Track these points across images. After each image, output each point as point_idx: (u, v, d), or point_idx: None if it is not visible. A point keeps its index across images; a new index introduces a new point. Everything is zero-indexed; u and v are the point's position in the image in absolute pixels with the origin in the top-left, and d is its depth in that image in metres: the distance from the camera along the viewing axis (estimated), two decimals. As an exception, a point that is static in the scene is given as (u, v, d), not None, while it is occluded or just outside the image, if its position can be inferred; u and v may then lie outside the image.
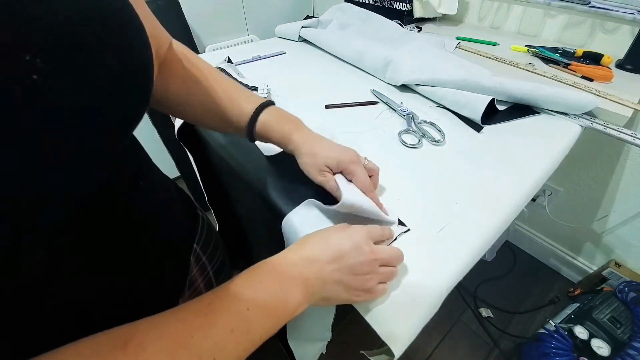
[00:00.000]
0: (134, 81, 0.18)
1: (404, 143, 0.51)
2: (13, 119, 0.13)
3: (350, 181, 0.37)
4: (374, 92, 0.66)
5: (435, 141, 0.52)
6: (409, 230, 0.38)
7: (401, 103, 0.62)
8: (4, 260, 0.14)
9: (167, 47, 0.35)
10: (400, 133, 0.53)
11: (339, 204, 0.35)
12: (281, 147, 0.40)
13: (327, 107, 0.61)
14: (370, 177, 0.38)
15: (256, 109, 0.38)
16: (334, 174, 0.38)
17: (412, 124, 0.56)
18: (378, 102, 0.63)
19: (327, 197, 0.38)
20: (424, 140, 0.52)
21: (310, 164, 0.38)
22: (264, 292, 0.25)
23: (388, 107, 0.62)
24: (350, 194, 0.35)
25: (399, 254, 0.32)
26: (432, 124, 0.56)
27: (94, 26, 0.16)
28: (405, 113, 0.58)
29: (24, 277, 0.17)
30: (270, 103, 0.39)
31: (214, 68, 0.39)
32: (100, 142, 0.17)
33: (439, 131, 0.55)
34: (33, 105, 0.13)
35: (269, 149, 0.46)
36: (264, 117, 0.38)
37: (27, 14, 0.13)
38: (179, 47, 0.37)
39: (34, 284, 0.19)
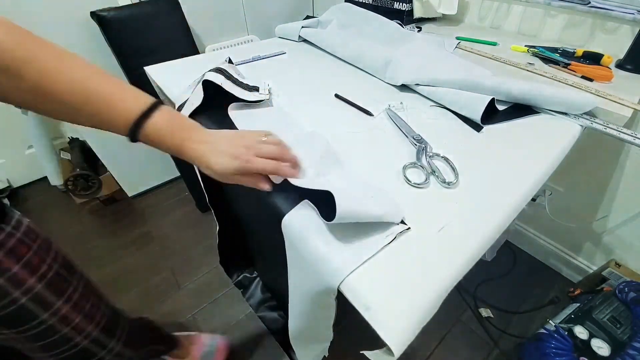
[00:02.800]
0: None
1: (407, 180, 0.44)
2: None
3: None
4: (387, 111, 0.59)
5: (446, 183, 0.43)
6: (409, 228, 0.38)
7: (401, 103, 0.62)
8: None
9: None
10: (405, 167, 0.46)
11: (335, 219, 0.34)
12: (176, 156, 0.37)
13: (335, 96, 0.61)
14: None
15: (143, 112, 0.34)
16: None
17: (423, 157, 0.48)
18: (373, 115, 0.58)
19: (326, 197, 0.38)
20: (432, 179, 0.45)
21: (215, 177, 0.37)
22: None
23: (398, 130, 0.55)
24: (343, 206, 0.34)
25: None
26: (446, 159, 0.47)
27: None
28: (416, 142, 0.50)
29: None
30: (158, 104, 0.35)
31: (70, 52, 0.32)
32: None
33: (453, 169, 0.46)
34: None
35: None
36: (153, 122, 0.34)
37: None
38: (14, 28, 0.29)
39: None
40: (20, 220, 0.44)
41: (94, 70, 0.33)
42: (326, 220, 0.36)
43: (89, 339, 0.52)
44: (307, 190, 0.39)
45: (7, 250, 0.40)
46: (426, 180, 0.44)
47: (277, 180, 0.42)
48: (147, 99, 0.35)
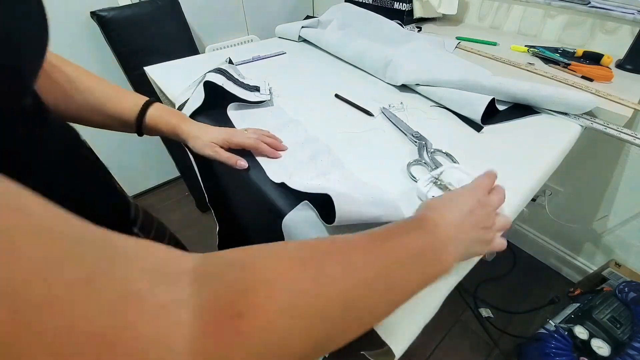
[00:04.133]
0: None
1: (412, 178, 0.44)
2: None
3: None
4: (383, 110, 0.59)
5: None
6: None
7: (401, 103, 0.62)
8: None
9: None
10: (409, 165, 0.46)
11: (335, 222, 0.34)
12: (171, 137, 0.46)
13: (336, 95, 0.61)
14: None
15: (144, 104, 0.43)
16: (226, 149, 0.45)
17: (424, 154, 0.48)
18: (373, 115, 0.58)
19: (326, 199, 0.38)
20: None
21: (200, 144, 0.45)
22: (415, 243, 0.24)
23: (398, 129, 0.55)
24: (343, 209, 0.34)
25: (503, 195, 0.33)
26: (448, 155, 0.48)
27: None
28: (416, 140, 0.51)
29: None
30: (154, 100, 0.45)
31: (86, 70, 0.43)
32: None
33: (455, 163, 0.47)
34: None
35: (277, 175, 0.44)
36: (152, 112, 0.43)
37: None
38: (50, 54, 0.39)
39: None
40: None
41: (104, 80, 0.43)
42: (326, 222, 0.36)
43: None
44: (307, 193, 0.39)
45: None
46: None
47: (277, 179, 0.42)
48: (143, 99, 0.44)
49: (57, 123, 0.32)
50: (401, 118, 0.57)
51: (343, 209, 0.34)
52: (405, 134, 0.53)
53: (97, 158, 0.39)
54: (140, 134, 0.45)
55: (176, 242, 0.55)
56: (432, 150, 0.49)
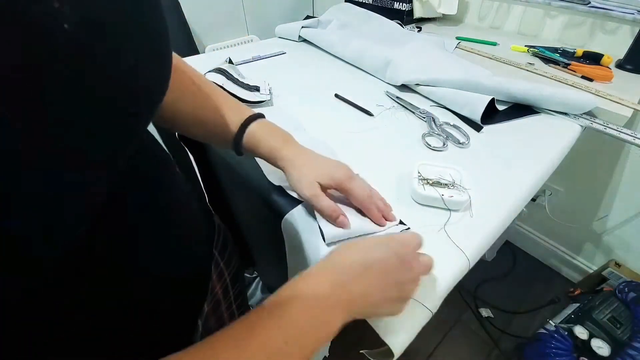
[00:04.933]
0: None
1: (428, 146, 0.51)
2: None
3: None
4: (388, 94, 0.65)
5: (460, 143, 0.51)
6: (408, 229, 0.38)
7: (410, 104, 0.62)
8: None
9: None
10: (424, 135, 0.52)
11: (325, 244, 0.35)
12: (270, 162, 0.38)
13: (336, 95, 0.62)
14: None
15: (245, 120, 0.36)
16: (325, 191, 0.36)
17: (434, 126, 0.55)
18: (373, 115, 0.59)
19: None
20: (448, 142, 0.52)
21: (298, 179, 0.35)
22: (303, 320, 0.23)
23: (405, 109, 0.60)
24: (331, 231, 0.35)
25: (432, 263, 0.30)
26: (455, 126, 0.55)
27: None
28: (424, 115, 0.57)
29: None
30: (259, 116, 0.38)
31: (201, 74, 0.38)
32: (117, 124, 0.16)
33: (463, 134, 0.53)
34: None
35: (275, 178, 0.44)
36: (252, 129, 0.36)
37: None
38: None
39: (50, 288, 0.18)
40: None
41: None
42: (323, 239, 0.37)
43: None
44: None
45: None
46: (444, 144, 0.51)
47: (275, 182, 0.42)
48: (246, 115, 0.37)
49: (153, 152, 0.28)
50: (402, 115, 0.60)
51: (332, 233, 0.35)
52: (413, 112, 0.59)
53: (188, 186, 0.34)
54: (239, 154, 0.38)
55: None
56: (441, 123, 0.55)
